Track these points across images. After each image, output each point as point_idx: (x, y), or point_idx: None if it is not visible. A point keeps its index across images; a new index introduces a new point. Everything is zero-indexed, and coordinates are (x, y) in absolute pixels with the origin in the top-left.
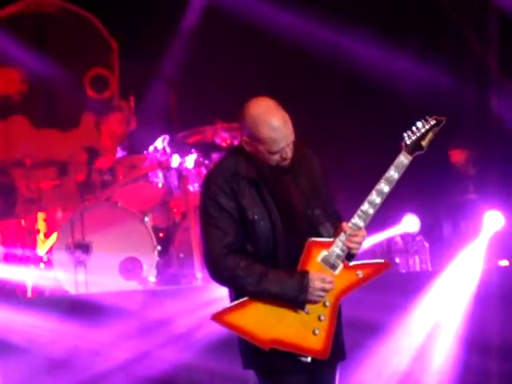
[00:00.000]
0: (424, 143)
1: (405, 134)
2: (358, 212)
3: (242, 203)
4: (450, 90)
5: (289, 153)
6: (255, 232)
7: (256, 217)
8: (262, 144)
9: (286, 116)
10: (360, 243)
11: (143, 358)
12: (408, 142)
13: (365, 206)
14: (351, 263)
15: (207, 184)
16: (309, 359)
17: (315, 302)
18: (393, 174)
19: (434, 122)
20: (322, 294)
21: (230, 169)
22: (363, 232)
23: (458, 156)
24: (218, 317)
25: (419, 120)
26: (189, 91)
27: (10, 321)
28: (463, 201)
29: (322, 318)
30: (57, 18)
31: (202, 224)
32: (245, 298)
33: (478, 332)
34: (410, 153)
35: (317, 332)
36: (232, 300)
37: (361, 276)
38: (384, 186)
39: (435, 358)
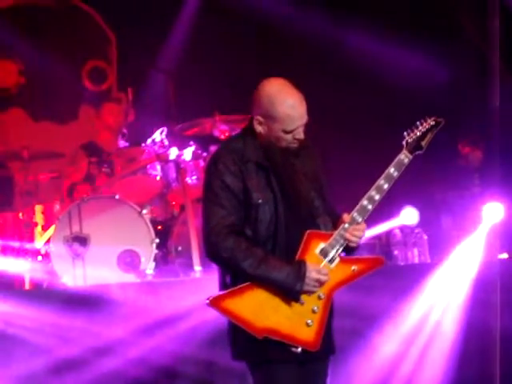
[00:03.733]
0: (423, 143)
1: (405, 133)
2: (358, 207)
3: (248, 185)
4: (450, 82)
5: (301, 134)
6: (257, 216)
7: (260, 201)
8: (276, 122)
9: (302, 96)
10: (360, 237)
11: (141, 349)
12: (409, 141)
13: (364, 202)
14: (347, 257)
15: (214, 163)
16: (299, 350)
17: (310, 293)
18: (393, 171)
19: (433, 122)
20: (317, 285)
21: (238, 150)
22: (363, 226)
23: (471, 154)
24: (214, 302)
25: (420, 117)
26: (187, 83)
27: (8, 313)
28: (462, 193)
29: (316, 310)
30: (54, 9)
31: (204, 202)
32: (241, 285)
33: (477, 324)
34: (411, 152)
35: (310, 324)
36: (224, 285)
37: (355, 271)
38: (384, 183)
39: (433, 351)
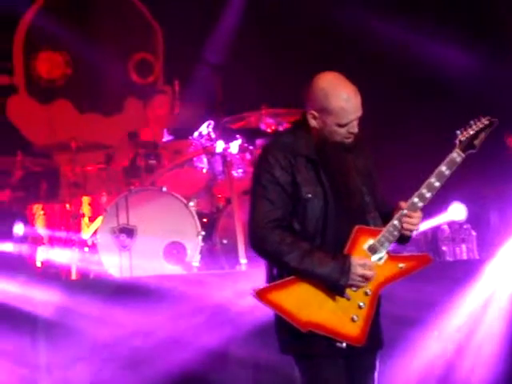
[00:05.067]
0: (476, 142)
1: (458, 132)
2: (408, 204)
3: (297, 179)
4: (495, 76)
5: (356, 128)
6: (306, 210)
7: (309, 195)
8: (331, 115)
9: (356, 89)
10: (416, 224)
11: (186, 341)
12: (462, 140)
13: (415, 199)
14: (394, 255)
15: (265, 156)
16: (344, 345)
17: (355, 288)
18: (444, 170)
19: (487, 122)
20: (363, 280)
21: (289, 144)
22: (419, 213)
23: None
24: (260, 294)
25: (467, 115)
26: (234, 76)
27: (55, 303)
28: (510, 187)
29: (362, 305)
30: (101, 2)
31: (252, 195)
32: (287, 278)
33: None
34: (463, 151)
35: (355, 319)
36: (271, 277)
37: (402, 268)
38: (435, 181)
39: (483, 347)
